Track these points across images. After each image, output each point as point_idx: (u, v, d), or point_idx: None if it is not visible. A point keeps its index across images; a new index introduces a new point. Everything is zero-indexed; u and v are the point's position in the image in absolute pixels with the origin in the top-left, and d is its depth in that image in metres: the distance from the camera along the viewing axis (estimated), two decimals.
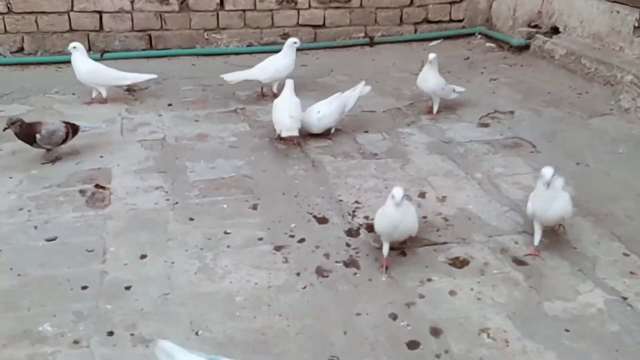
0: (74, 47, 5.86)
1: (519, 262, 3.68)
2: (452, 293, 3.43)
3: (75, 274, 3.57)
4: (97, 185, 4.51)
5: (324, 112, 5.20)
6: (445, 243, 3.87)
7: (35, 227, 4.01)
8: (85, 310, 3.28)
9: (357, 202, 4.34)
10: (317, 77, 6.79)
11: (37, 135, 4.68)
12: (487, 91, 6.35)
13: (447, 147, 5.14)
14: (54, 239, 3.91)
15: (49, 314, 3.26)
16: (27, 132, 4.71)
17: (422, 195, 4.41)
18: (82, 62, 5.87)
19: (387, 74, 6.88)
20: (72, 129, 4.85)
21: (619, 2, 6.33)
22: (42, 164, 4.79)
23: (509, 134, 5.38)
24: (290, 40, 6.15)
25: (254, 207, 4.25)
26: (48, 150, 4.82)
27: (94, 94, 6.02)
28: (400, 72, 6.95)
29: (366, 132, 5.42)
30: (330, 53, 7.69)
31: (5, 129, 4.55)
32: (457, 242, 3.88)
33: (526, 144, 5.18)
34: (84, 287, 3.46)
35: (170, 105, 6.01)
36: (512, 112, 5.80)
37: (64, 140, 4.80)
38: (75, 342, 3.08)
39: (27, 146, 5.00)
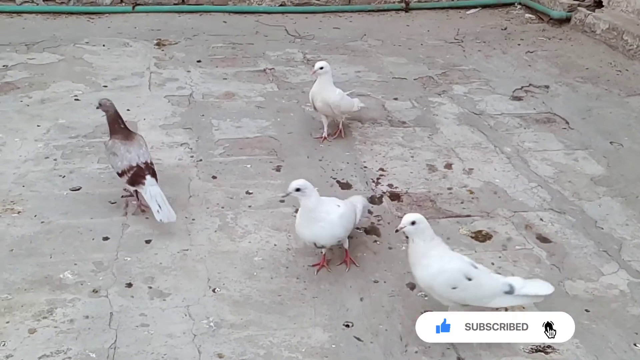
0: None
1: (543, 239, 3.62)
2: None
3: (98, 224, 3.60)
4: None
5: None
6: (468, 216, 3.81)
7: (62, 176, 4.05)
8: (106, 261, 3.32)
9: (382, 169, 4.28)
10: (349, 41, 6.67)
11: (106, 140, 3.91)
12: (522, 64, 6.18)
13: (477, 118, 5.03)
14: (78, 189, 3.94)
15: (70, 262, 3.31)
16: (110, 125, 3.85)
17: (448, 166, 4.34)
18: None
19: (420, 41, 6.73)
20: (134, 176, 3.65)
21: None
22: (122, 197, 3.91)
23: (542, 108, 5.24)
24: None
25: (278, 169, 4.22)
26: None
27: None
28: (435, 39, 6.79)
29: (395, 99, 5.33)
30: (364, 17, 7.53)
31: (97, 107, 3.84)
32: (481, 215, 3.82)
33: (559, 119, 5.05)
34: (105, 238, 3.50)
35: (199, 62, 5.96)
36: (547, 87, 5.65)
37: (120, 175, 3.72)
38: (95, 291, 3.12)
39: (57, 94, 5.03)
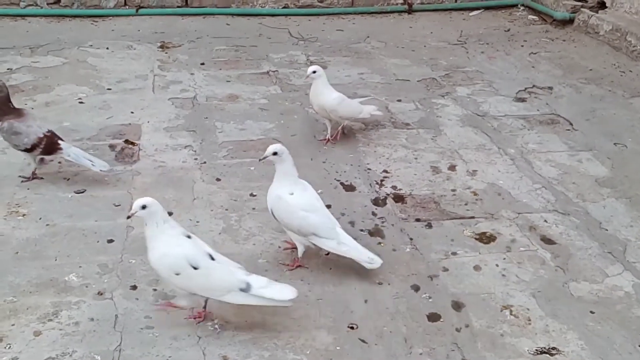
0: None
1: (547, 240, 3.62)
2: (476, 268, 3.39)
3: (102, 227, 3.61)
4: (126, 141, 4.54)
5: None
6: (472, 217, 3.81)
7: (66, 179, 4.06)
8: (110, 263, 3.33)
9: (385, 171, 4.29)
10: (352, 43, 6.68)
11: (1, 123, 3.88)
12: (526, 65, 6.18)
13: (481, 120, 5.03)
14: (82, 192, 3.95)
15: (75, 264, 3.31)
16: (0, 108, 3.88)
17: (452, 168, 4.34)
18: None
19: (423, 43, 6.74)
20: (48, 146, 3.86)
21: None
22: (19, 177, 4.03)
23: (546, 110, 5.24)
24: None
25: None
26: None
27: None
28: (438, 41, 6.79)
29: (399, 100, 5.33)
30: (367, 19, 7.54)
31: None
32: (485, 217, 3.82)
33: (563, 121, 5.04)
34: (110, 241, 3.50)
35: (202, 64, 5.97)
36: (550, 88, 5.64)
37: (29, 150, 3.88)
38: (100, 293, 3.13)
39: (61, 97, 5.04)
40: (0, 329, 2.89)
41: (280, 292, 2.89)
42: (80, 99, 5.17)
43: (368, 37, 6.88)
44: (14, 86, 5.30)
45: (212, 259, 2.86)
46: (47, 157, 3.96)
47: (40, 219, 3.66)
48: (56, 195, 3.89)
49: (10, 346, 2.79)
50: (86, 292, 3.13)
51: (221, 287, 2.83)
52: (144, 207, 2.78)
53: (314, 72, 4.39)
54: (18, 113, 3.95)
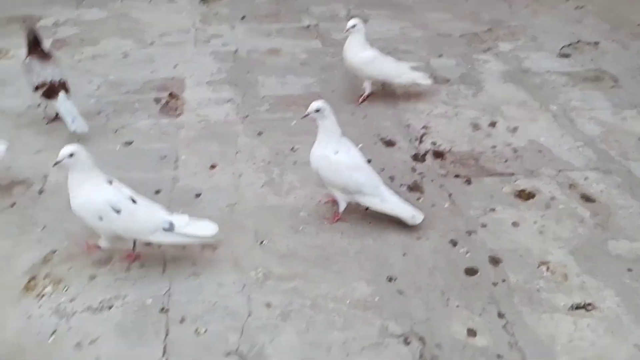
0: None
1: (587, 198, 3.62)
2: (514, 224, 3.42)
3: (149, 178, 3.73)
4: (171, 95, 4.63)
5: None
6: (512, 174, 3.82)
7: (114, 131, 4.19)
8: None
9: (425, 127, 4.30)
10: None
11: (25, 58, 4.26)
12: (571, 19, 6.04)
13: (523, 76, 4.98)
14: (130, 144, 4.08)
15: None
16: (29, 46, 4.24)
17: (492, 124, 4.33)
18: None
19: None
20: (48, 91, 4.14)
21: None
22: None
23: (590, 66, 5.14)
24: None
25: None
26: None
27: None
28: None
29: (440, 56, 5.29)
30: None
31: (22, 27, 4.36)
32: (525, 174, 3.83)
33: (608, 78, 4.95)
34: (157, 192, 3.63)
35: (243, 18, 6.00)
36: (596, 43, 5.52)
37: (35, 89, 4.17)
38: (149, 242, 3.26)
39: (106, 51, 5.14)
40: (59, 271, 3.06)
41: (202, 228, 3.00)
42: (124, 52, 5.28)
43: None
44: (60, 40, 5.44)
45: (134, 202, 2.97)
46: (47, 100, 4.18)
47: None
48: (105, 147, 4.03)
49: (67, 288, 2.96)
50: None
51: (145, 228, 2.96)
52: (71, 155, 2.85)
53: (354, 25, 4.36)
54: (44, 55, 4.22)
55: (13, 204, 3.53)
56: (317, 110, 3.25)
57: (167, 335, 2.73)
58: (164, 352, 2.65)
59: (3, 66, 4.59)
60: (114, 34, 5.57)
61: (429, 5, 6.35)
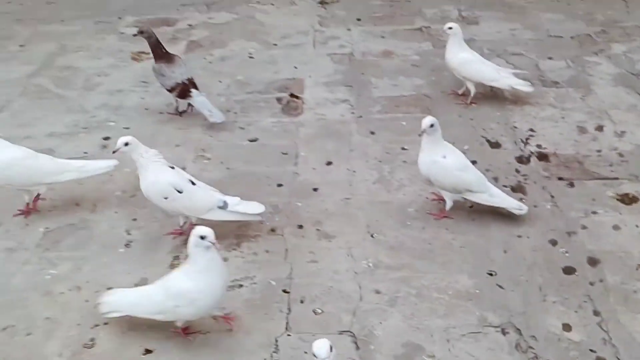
0: None
1: None
2: (615, 227, 3.55)
3: (273, 172, 4.15)
4: (291, 95, 5.04)
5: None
6: (616, 178, 3.92)
7: (242, 128, 4.64)
8: (280, 204, 3.86)
9: (531, 129, 4.46)
10: None
11: (153, 63, 4.70)
12: None
13: (635, 79, 4.98)
14: (255, 140, 4.52)
15: None
16: (153, 51, 4.68)
17: (599, 128, 4.42)
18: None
19: None
20: (182, 91, 4.58)
21: None
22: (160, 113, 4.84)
23: None
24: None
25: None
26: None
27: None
28: None
29: (550, 58, 5.37)
30: None
31: (135, 35, 4.77)
32: (629, 178, 3.91)
33: None
34: (279, 185, 4.04)
35: (359, 20, 6.30)
36: None
37: (169, 91, 4.63)
38: (272, 230, 3.67)
39: (234, 52, 5.61)
40: None
41: (251, 207, 3.48)
42: (250, 53, 5.74)
43: None
44: (194, 41, 5.98)
45: (193, 184, 3.43)
46: (180, 100, 4.68)
47: (221, 162, 4.27)
48: (234, 143, 4.49)
49: None
50: (262, 228, 3.68)
51: (203, 207, 3.41)
52: (126, 144, 3.32)
53: (450, 28, 4.61)
54: (169, 58, 4.67)
55: None
56: (432, 126, 3.49)
57: (289, 312, 3.13)
58: (286, 327, 3.05)
59: (146, 67, 5.15)
60: (240, 36, 6.04)
61: (542, 6, 6.38)
